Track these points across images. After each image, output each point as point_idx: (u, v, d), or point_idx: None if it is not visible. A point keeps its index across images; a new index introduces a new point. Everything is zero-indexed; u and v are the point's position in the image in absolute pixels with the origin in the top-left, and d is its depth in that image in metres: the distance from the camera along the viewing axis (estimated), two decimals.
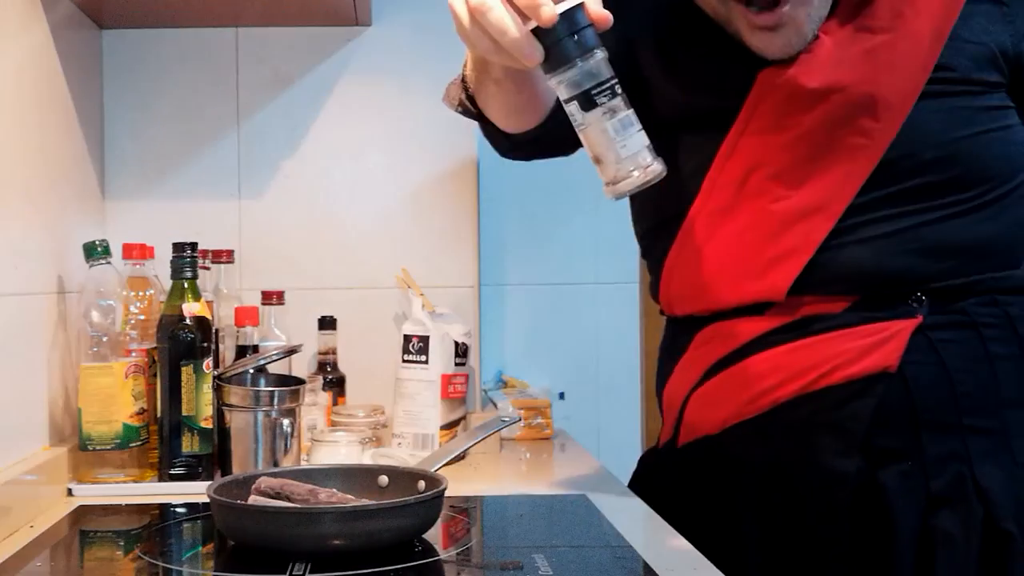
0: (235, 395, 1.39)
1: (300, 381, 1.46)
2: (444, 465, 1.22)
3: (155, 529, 1.20)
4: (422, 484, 1.14)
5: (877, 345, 1.09)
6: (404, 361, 1.72)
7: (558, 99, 0.96)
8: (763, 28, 1.11)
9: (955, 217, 1.11)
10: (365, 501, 1.12)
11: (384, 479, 1.17)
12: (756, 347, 1.14)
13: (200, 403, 1.37)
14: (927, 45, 1.11)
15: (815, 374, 1.11)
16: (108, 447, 1.35)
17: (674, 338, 1.26)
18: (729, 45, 1.16)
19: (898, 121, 1.10)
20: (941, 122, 1.11)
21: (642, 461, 1.34)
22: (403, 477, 1.17)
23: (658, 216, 1.25)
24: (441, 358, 1.70)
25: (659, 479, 1.27)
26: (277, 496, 1.08)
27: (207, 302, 1.42)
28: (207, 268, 1.61)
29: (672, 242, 1.21)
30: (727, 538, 1.16)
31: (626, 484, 1.38)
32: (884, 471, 1.09)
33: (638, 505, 1.28)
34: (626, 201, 2.02)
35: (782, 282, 1.12)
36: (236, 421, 1.38)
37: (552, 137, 1.18)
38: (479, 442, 1.38)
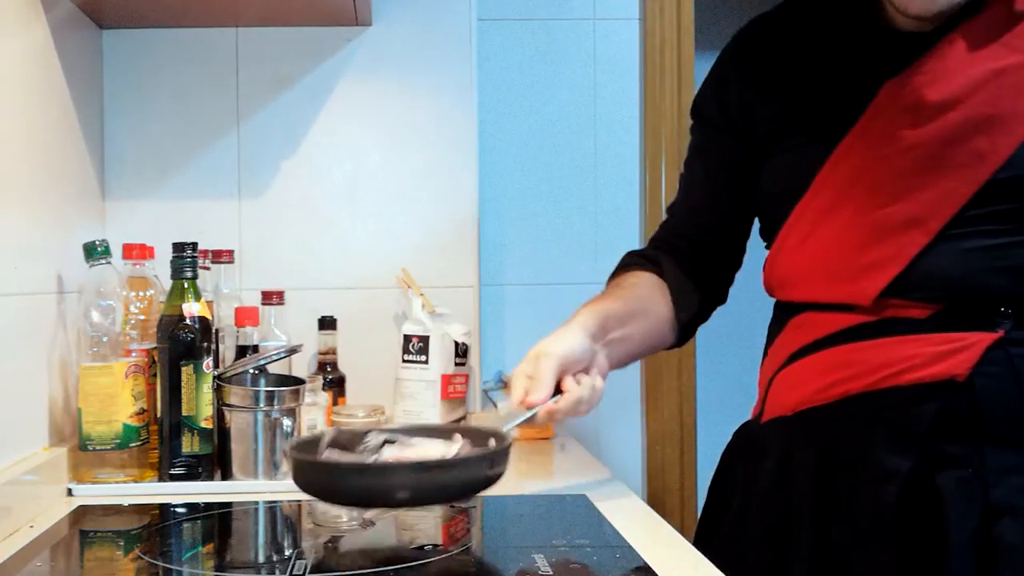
0: (235, 395, 1.39)
1: (300, 381, 1.46)
2: (517, 425, 1.20)
3: (155, 529, 1.20)
4: (493, 442, 1.15)
5: (950, 353, 1.10)
6: (404, 361, 1.72)
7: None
8: None
9: None
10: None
11: (457, 437, 1.18)
12: (837, 340, 1.17)
13: (200, 403, 1.37)
14: None
15: (885, 372, 1.13)
16: (108, 447, 1.35)
17: (776, 320, 1.31)
18: (859, 54, 1.18)
19: (1012, 145, 1.09)
20: None
21: (736, 433, 1.35)
22: (475, 436, 1.18)
23: (773, 207, 1.28)
24: (441, 358, 1.71)
25: (745, 452, 1.30)
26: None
27: (207, 302, 1.42)
28: (207, 268, 1.61)
29: (778, 232, 1.25)
30: (780, 518, 1.18)
31: (626, 484, 1.38)
32: (942, 475, 1.10)
33: (638, 505, 1.28)
34: (625, 201, 2.03)
35: (871, 289, 1.15)
36: (236, 421, 1.38)
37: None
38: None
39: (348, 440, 1.16)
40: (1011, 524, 1.08)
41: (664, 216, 1.46)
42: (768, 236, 1.30)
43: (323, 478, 1.09)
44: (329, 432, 1.17)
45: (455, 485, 1.08)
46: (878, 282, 1.14)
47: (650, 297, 1.36)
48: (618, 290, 1.36)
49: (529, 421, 1.18)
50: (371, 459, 1.13)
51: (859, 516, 1.12)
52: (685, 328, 1.38)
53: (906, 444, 1.11)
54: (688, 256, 1.38)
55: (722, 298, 1.42)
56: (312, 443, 1.15)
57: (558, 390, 1.20)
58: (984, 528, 1.08)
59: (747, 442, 1.30)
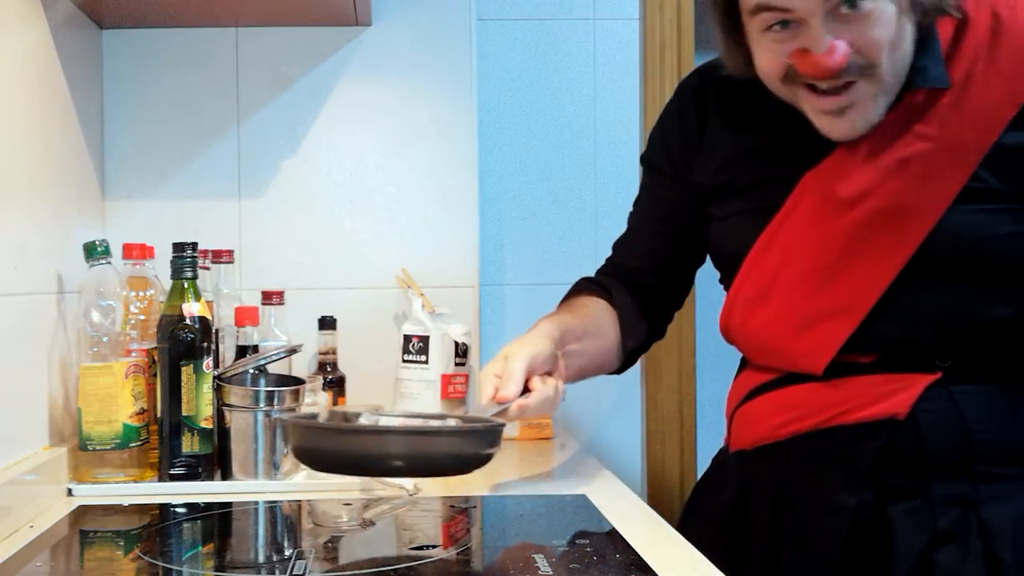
0: (235, 395, 1.39)
1: (300, 381, 1.46)
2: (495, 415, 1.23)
3: (155, 529, 1.20)
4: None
5: (891, 394, 1.15)
6: (404, 361, 1.72)
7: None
8: (827, 112, 1.14)
9: (986, 298, 1.14)
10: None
11: (451, 422, 1.22)
12: (790, 380, 1.22)
13: (200, 403, 1.37)
14: (966, 157, 1.12)
15: (831, 412, 1.18)
16: (108, 447, 1.35)
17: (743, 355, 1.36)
18: (782, 141, 1.21)
19: (924, 230, 1.13)
20: (972, 225, 1.13)
21: (713, 459, 1.40)
22: (467, 422, 1.21)
23: (720, 268, 1.35)
24: (441, 358, 1.71)
25: (713, 481, 1.35)
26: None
27: (207, 302, 1.42)
28: (207, 268, 1.61)
29: (723, 306, 1.31)
30: (735, 549, 1.23)
31: (626, 484, 1.38)
32: (893, 507, 1.14)
33: (638, 505, 1.28)
34: (625, 201, 2.04)
35: (816, 366, 1.19)
36: (236, 421, 1.38)
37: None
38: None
39: (342, 419, 1.19)
40: (951, 549, 1.12)
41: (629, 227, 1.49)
42: (724, 286, 1.34)
43: (321, 442, 1.12)
44: (323, 413, 1.20)
45: (451, 456, 1.11)
46: (820, 362, 1.18)
47: (602, 321, 1.40)
48: (574, 309, 1.41)
49: (501, 416, 1.22)
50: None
51: (811, 548, 1.17)
52: (629, 356, 1.44)
53: (854, 479, 1.15)
54: (634, 292, 1.42)
55: (662, 334, 1.48)
56: (310, 418, 1.19)
57: (526, 390, 1.24)
58: (928, 553, 1.12)
59: (716, 471, 1.36)
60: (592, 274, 1.48)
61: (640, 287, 1.42)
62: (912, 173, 1.14)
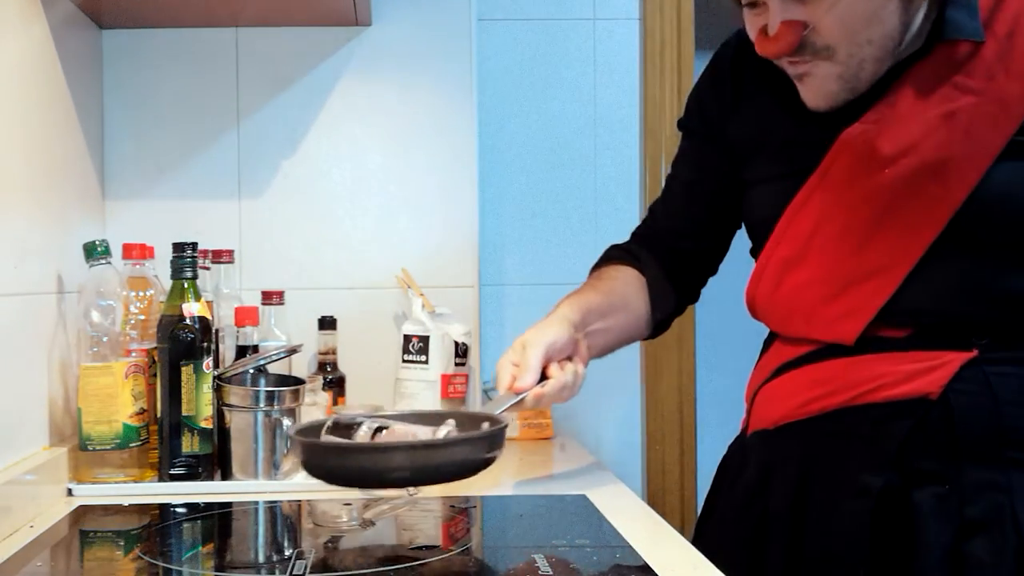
0: (235, 395, 1.39)
1: (300, 381, 1.46)
2: (506, 409, 1.22)
3: (155, 529, 1.20)
4: (486, 425, 1.17)
5: (924, 372, 1.12)
6: (404, 361, 1.72)
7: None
8: (795, 77, 1.16)
9: None
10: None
11: (451, 422, 1.20)
12: (819, 356, 1.19)
13: (200, 403, 1.37)
14: (1013, 111, 1.10)
15: (861, 389, 1.14)
16: (108, 447, 1.35)
17: (769, 335, 1.33)
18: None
19: (967, 187, 1.10)
20: (1019, 184, 1.10)
21: (730, 446, 1.37)
22: (468, 421, 1.20)
23: (753, 236, 1.32)
24: (441, 358, 1.71)
25: (731, 464, 1.32)
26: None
27: (207, 302, 1.42)
28: (207, 268, 1.61)
29: (751, 275, 1.28)
30: (755, 531, 1.21)
31: (626, 484, 1.38)
32: (919, 491, 1.11)
33: (638, 505, 1.28)
34: (625, 201, 2.04)
35: (849, 335, 1.16)
36: (236, 421, 1.38)
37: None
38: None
39: (346, 427, 1.18)
40: (982, 542, 1.08)
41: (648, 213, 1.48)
42: (755, 256, 1.31)
43: (326, 459, 1.11)
44: (329, 419, 1.19)
45: (454, 464, 1.11)
46: (853, 329, 1.15)
47: (630, 293, 1.39)
48: (599, 283, 1.39)
49: (517, 406, 1.22)
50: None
51: (833, 532, 1.14)
52: (659, 325, 1.42)
53: (880, 461, 1.12)
54: (666, 257, 1.40)
55: (695, 298, 1.45)
56: (315, 429, 1.18)
57: (543, 377, 1.23)
58: (957, 544, 1.09)
59: (734, 455, 1.33)
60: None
61: (672, 251, 1.40)
62: (957, 127, 1.10)
